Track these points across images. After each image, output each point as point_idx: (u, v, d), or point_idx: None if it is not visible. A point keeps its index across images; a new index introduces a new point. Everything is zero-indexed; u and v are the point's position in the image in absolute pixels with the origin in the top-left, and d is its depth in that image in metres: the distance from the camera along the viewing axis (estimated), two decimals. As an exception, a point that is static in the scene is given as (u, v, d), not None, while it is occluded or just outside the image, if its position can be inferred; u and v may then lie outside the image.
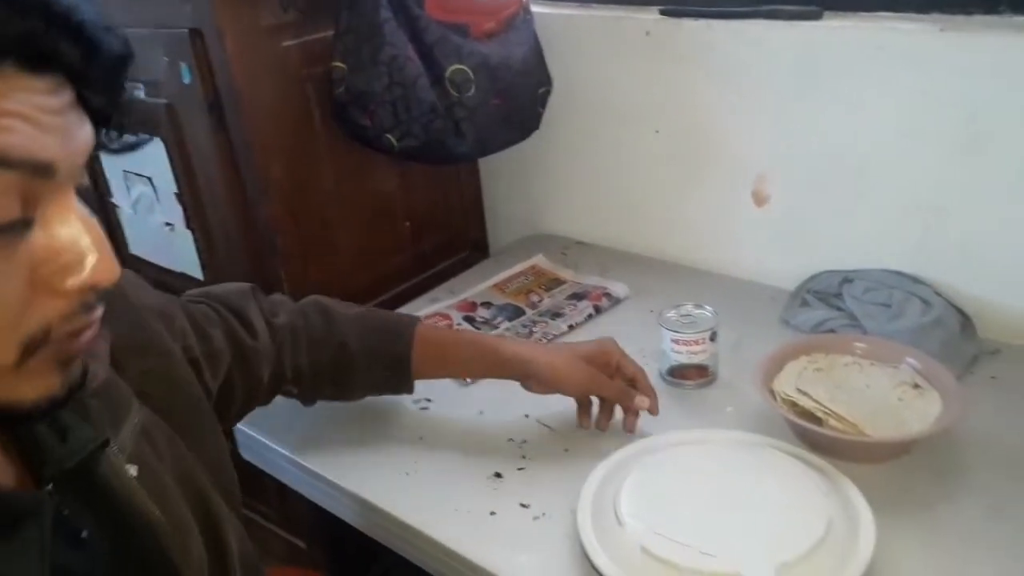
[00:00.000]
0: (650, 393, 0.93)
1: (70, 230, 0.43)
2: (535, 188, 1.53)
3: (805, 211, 1.20)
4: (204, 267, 1.30)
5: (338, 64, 1.13)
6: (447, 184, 1.48)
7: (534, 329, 1.20)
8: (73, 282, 0.43)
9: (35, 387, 0.44)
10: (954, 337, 1.00)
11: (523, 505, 0.85)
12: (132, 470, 0.56)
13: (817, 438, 0.85)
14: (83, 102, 0.44)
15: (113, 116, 0.47)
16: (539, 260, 1.42)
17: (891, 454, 0.86)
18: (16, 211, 0.40)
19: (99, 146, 0.47)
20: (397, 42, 1.11)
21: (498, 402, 1.01)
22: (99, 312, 0.46)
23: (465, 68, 1.15)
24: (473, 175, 1.54)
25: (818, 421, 0.86)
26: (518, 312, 1.27)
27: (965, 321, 1.04)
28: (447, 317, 1.25)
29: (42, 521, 0.46)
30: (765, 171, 1.22)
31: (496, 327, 1.22)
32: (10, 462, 0.50)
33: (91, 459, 0.52)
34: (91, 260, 0.43)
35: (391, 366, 0.93)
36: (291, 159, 1.19)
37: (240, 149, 1.16)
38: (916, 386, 0.90)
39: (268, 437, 1.01)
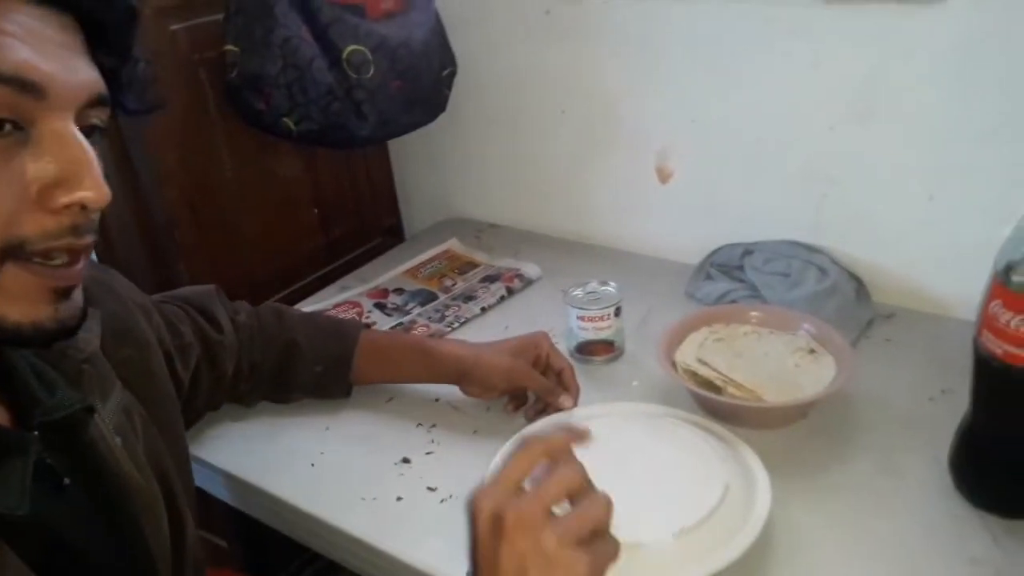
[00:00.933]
0: (574, 390, 0.92)
1: (65, 152, 0.45)
2: (448, 172, 1.52)
3: (707, 186, 1.22)
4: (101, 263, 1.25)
5: (230, 47, 1.10)
6: (355, 169, 1.46)
7: (446, 313, 1.19)
8: (64, 198, 0.45)
9: (20, 309, 0.46)
10: (849, 303, 1.04)
11: (430, 488, 0.84)
12: (117, 439, 0.59)
13: (716, 406, 0.87)
14: (94, 57, 0.48)
15: (123, 74, 0.51)
16: (453, 244, 1.41)
17: (788, 419, 0.88)
18: (5, 111, 0.43)
19: (117, 105, 0.50)
20: (290, 23, 1.08)
21: (408, 389, 1.00)
22: (90, 240, 0.48)
23: (363, 49, 1.13)
24: (383, 160, 1.52)
25: (717, 389, 0.88)
26: (431, 297, 1.25)
27: (860, 287, 1.07)
28: (357, 305, 1.23)
29: (26, 459, 0.49)
30: (668, 148, 1.23)
31: (408, 313, 1.21)
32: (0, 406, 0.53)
33: (79, 420, 0.55)
34: (82, 181, 0.45)
35: (333, 365, 0.94)
36: (186, 147, 1.15)
37: (130, 138, 1.11)
38: (812, 351, 0.92)
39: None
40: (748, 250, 1.14)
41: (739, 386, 0.87)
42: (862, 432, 0.87)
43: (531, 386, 0.92)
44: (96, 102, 0.48)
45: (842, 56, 1.03)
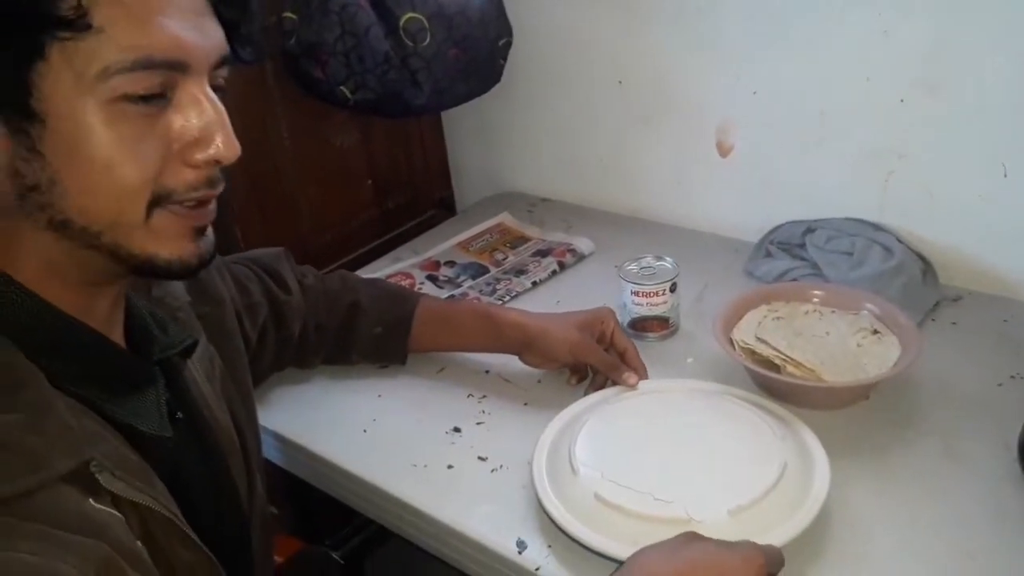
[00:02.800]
0: (640, 370, 0.90)
1: (202, 113, 0.50)
2: (501, 145, 1.51)
3: (769, 161, 1.19)
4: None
5: (288, 15, 1.10)
6: (410, 141, 1.46)
7: (497, 287, 1.19)
8: (201, 156, 0.50)
9: (169, 248, 0.51)
10: (915, 283, 1.00)
11: (481, 458, 0.84)
12: (207, 384, 0.64)
13: (775, 385, 0.85)
14: (217, 14, 0.52)
15: (243, 27, 0.54)
16: (505, 218, 1.40)
17: (849, 399, 0.85)
18: (157, 88, 0.48)
19: (235, 56, 0.53)
20: (348, -10, 1.08)
21: (459, 359, 1.00)
22: (221, 188, 0.53)
23: (420, 17, 1.12)
24: (437, 132, 1.51)
25: (776, 368, 0.86)
26: (482, 270, 1.25)
27: (927, 268, 1.03)
28: (409, 276, 1.23)
29: (158, 387, 0.56)
30: (729, 121, 1.20)
31: (459, 285, 1.21)
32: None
33: (176, 363, 0.60)
34: (217, 139, 0.50)
35: (392, 327, 0.95)
36: (243, 115, 1.16)
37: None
38: (875, 332, 0.89)
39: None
40: (810, 228, 1.10)
41: (799, 365, 0.85)
42: (926, 416, 0.84)
43: (595, 363, 0.90)
44: (222, 63, 0.52)
45: (913, 22, 0.99)
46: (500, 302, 1.14)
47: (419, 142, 1.47)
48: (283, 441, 0.92)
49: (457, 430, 0.89)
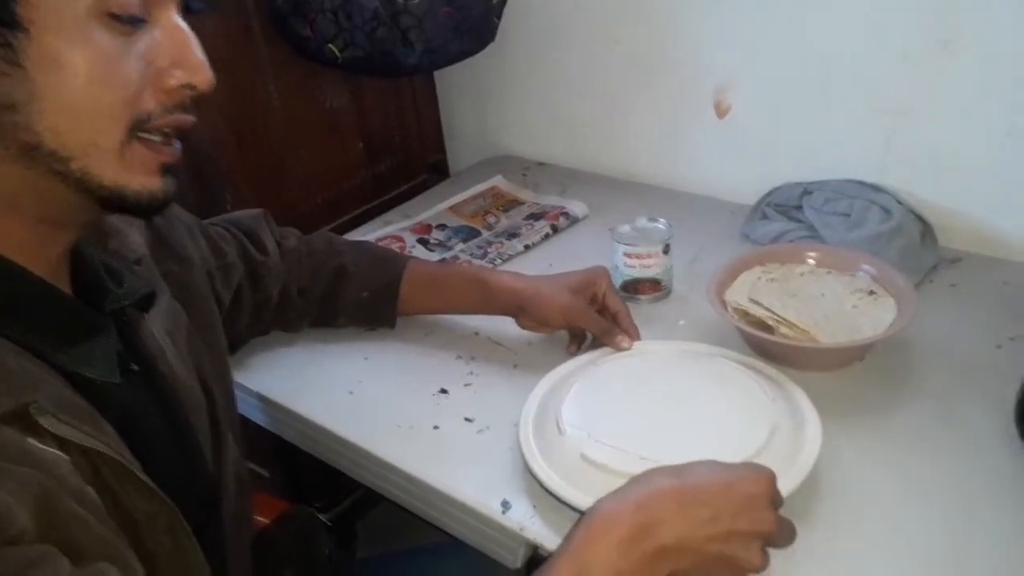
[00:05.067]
0: (632, 331, 0.88)
1: (177, 36, 0.51)
2: (495, 107, 1.48)
3: (767, 122, 1.16)
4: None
5: (275, -31, 1.07)
6: (402, 103, 1.43)
7: (489, 250, 1.17)
8: (176, 81, 0.51)
9: (140, 181, 0.51)
10: (913, 245, 0.98)
11: (467, 419, 0.83)
12: (167, 339, 0.63)
13: (768, 346, 0.83)
14: None
15: None
16: (498, 181, 1.37)
17: (843, 360, 0.84)
18: (136, 8, 0.48)
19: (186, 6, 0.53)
20: (335, -56, 1.05)
21: (448, 322, 0.98)
22: (191, 119, 0.53)
23: (409, -28, 1.09)
24: (430, 94, 1.48)
25: (769, 329, 0.84)
26: (474, 233, 1.23)
27: (925, 229, 1.01)
28: (400, 239, 1.21)
29: (109, 337, 0.55)
30: (727, 80, 1.17)
31: (450, 249, 1.19)
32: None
33: (132, 316, 0.59)
34: (191, 63, 0.51)
35: (380, 291, 0.94)
36: (229, 73, 1.13)
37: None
38: (872, 293, 0.87)
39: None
40: (808, 189, 1.08)
41: (792, 326, 0.83)
42: (922, 378, 0.83)
43: (588, 327, 0.88)
44: None
45: (918, -22, 0.96)
46: (491, 265, 1.13)
47: (411, 103, 1.44)
48: (269, 403, 0.91)
49: (444, 392, 0.87)
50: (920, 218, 1.02)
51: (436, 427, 0.82)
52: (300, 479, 1.19)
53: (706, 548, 0.54)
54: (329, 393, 0.89)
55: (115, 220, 0.64)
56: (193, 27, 0.53)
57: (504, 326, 0.94)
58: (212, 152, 1.15)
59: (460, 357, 0.93)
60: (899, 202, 1.02)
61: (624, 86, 1.28)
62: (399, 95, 1.41)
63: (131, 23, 0.48)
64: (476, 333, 0.96)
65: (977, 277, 0.98)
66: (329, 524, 0.94)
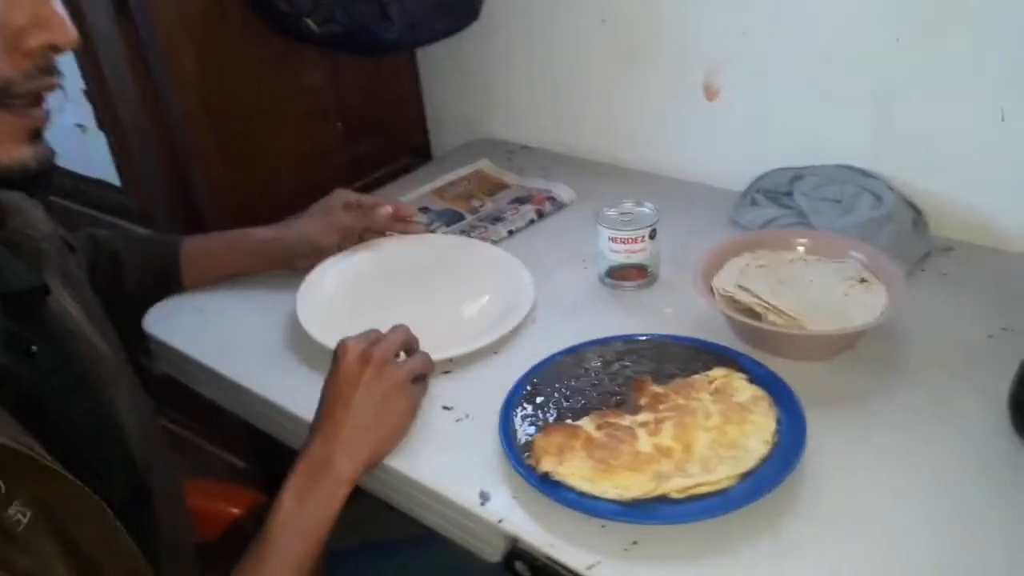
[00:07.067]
0: (388, 205, 1.00)
1: None
2: (479, 89, 1.44)
3: (757, 106, 1.13)
4: (120, 171, 1.21)
5: (250, -60, 1.03)
6: (382, 82, 1.39)
7: (472, 235, 1.14)
8: (36, 40, 0.48)
9: (5, 151, 0.49)
10: (905, 233, 0.96)
11: (445, 408, 0.80)
12: (76, 307, 0.63)
13: (756, 334, 0.81)
14: None
15: None
16: (484, 165, 1.34)
17: (833, 349, 0.82)
18: None
19: None
20: (313, -86, 1.01)
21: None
22: (57, 80, 0.51)
23: (390, -56, 1.05)
24: (411, 73, 1.45)
25: (757, 316, 0.82)
26: (457, 217, 1.20)
27: (917, 217, 0.99)
28: (380, 222, 1.18)
29: None
30: (717, 63, 1.14)
31: (432, 232, 1.16)
32: None
33: (36, 295, 0.58)
34: (51, 20, 0.49)
35: (161, 276, 0.97)
36: (203, 50, 1.10)
37: (147, 39, 1.06)
38: (863, 280, 0.85)
39: (184, 346, 0.95)
40: (798, 175, 1.06)
41: (781, 313, 0.81)
42: (913, 367, 0.81)
43: (353, 222, 0.99)
44: None
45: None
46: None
47: (392, 83, 1.41)
48: (241, 391, 0.88)
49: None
50: (912, 205, 1.00)
51: (414, 416, 0.80)
52: (276, 470, 1.16)
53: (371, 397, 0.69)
54: (303, 382, 0.85)
55: (12, 198, 0.62)
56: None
57: (485, 312, 0.91)
58: (183, 130, 1.11)
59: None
60: (890, 188, 1.00)
61: (612, 67, 1.25)
62: (378, 74, 1.37)
63: None
64: (456, 319, 0.93)
65: (970, 266, 0.96)
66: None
